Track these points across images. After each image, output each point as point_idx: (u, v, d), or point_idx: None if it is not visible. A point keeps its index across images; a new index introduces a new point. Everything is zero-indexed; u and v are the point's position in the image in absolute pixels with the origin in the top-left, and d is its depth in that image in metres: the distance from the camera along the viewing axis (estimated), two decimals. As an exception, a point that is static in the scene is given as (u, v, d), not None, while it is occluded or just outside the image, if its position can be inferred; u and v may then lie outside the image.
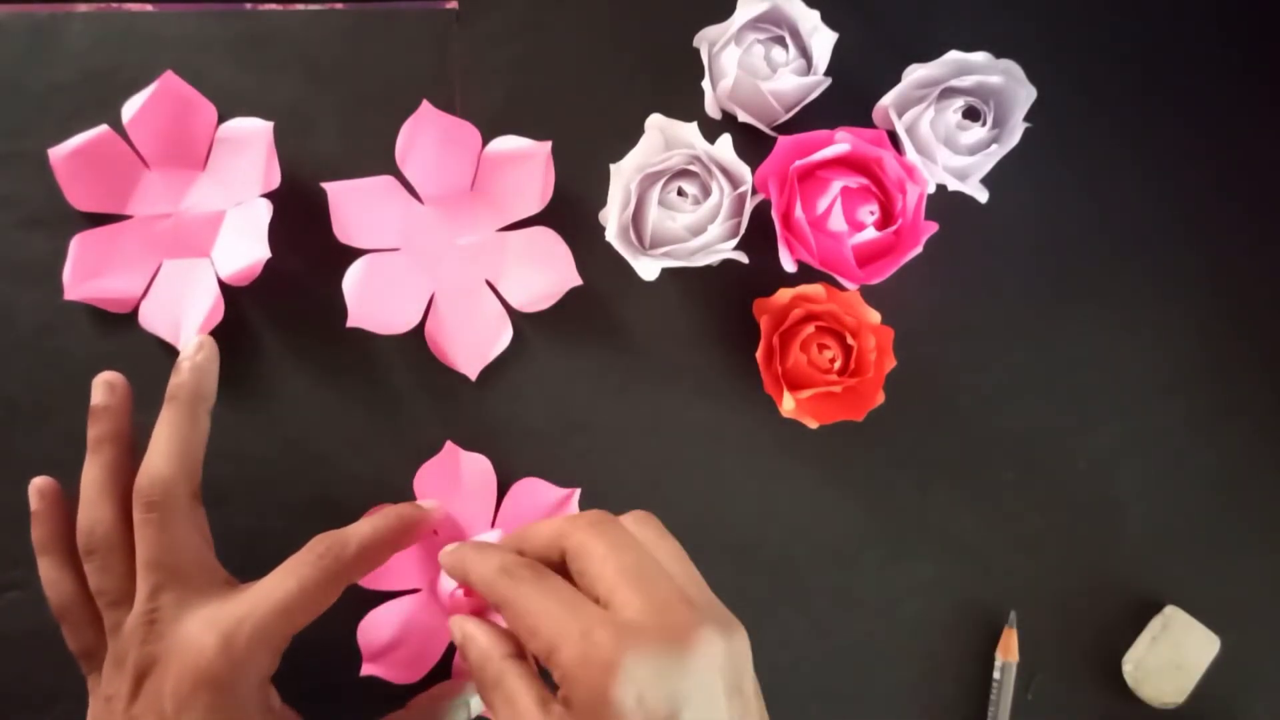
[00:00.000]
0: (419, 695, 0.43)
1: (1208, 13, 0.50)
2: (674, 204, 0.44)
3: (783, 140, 0.43)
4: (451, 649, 0.45)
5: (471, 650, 0.34)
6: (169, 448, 0.39)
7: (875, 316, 0.44)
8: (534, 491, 0.46)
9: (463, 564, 0.36)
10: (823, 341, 0.44)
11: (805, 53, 0.45)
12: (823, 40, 0.45)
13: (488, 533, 0.46)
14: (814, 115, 0.46)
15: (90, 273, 0.46)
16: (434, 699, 0.43)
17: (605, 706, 0.29)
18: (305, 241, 0.46)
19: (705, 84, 0.46)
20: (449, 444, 0.46)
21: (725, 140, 0.43)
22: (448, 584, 0.44)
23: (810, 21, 0.45)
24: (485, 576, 0.34)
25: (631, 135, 0.44)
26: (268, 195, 0.45)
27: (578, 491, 0.46)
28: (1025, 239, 0.49)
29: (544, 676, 0.33)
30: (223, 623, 0.36)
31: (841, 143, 0.43)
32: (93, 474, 0.40)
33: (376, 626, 0.45)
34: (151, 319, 0.46)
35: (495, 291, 0.47)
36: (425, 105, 0.46)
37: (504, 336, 0.47)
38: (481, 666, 0.34)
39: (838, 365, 0.44)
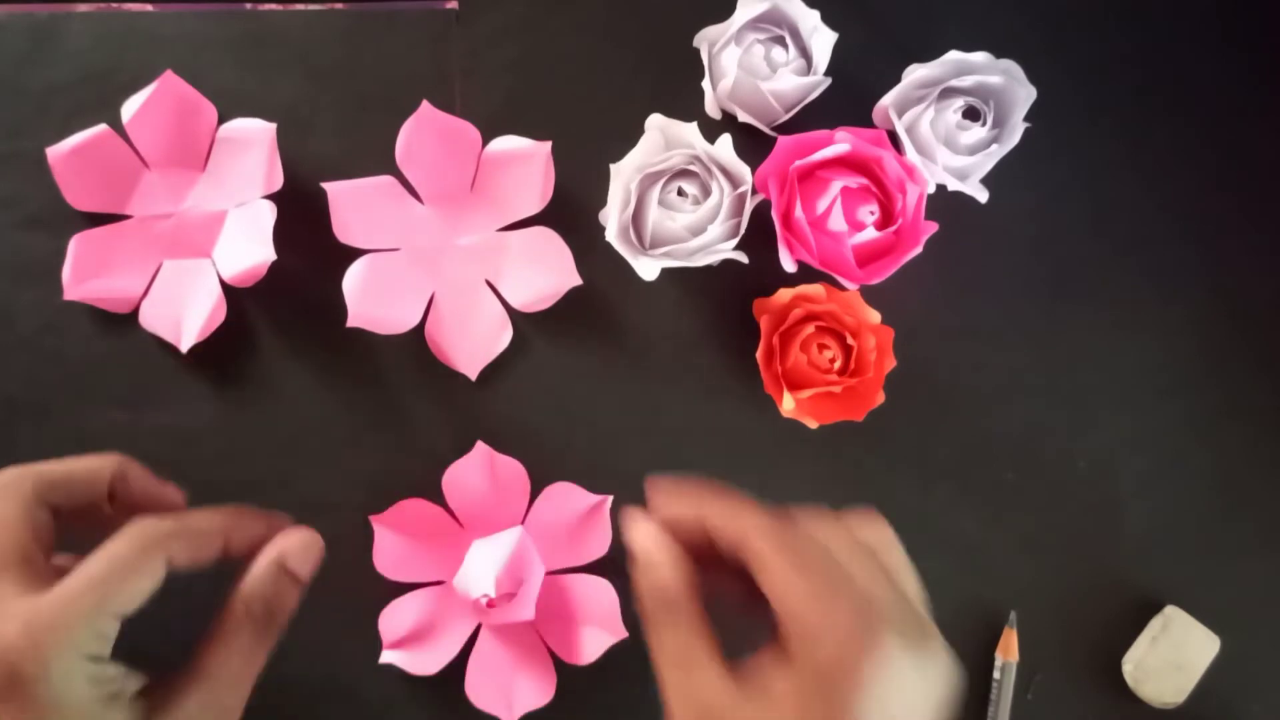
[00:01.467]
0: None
1: (1208, 13, 0.50)
2: (674, 204, 0.44)
3: (783, 140, 0.43)
4: (468, 647, 0.45)
5: (650, 576, 0.33)
6: (47, 466, 0.38)
7: (875, 316, 0.44)
8: (567, 496, 0.46)
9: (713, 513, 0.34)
10: (823, 341, 0.44)
11: (805, 53, 0.45)
12: (823, 40, 0.45)
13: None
14: (814, 115, 0.46)
15: (90, 273, 0.46)
16: (243, 581, 0.38)
17: (852, 675, 0.29)
18: (305, 242, 0.46)
19: (705, 84, 0.46)
20: (480, 444, 0.46)
21: (725, 140, 0.43)
22: (471, 588, 0.44)
23: (810, 21, 0.45)
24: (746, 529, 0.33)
25: (631, 135, 0.44)
26: (268, 196, 0.45)
27: (609, 499, 0.46)
28: (1025, 239, 0.49)
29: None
30: (26, 614, 0.33)
31: (841, 143, 0.43)
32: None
33: (398, 615, 0.45)
34: (151, 319, 0.46)
35: (495, 291, 0.47)
36: (425, 105, 0.46)
37: (504, 336, 0.47)
38: (658, 598, 0.32)
39: (838, 365, 0.44)
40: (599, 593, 0.45)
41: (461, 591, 0.44)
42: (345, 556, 0.46)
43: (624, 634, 0.45)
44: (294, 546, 0.38)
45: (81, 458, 0.39)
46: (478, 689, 0.45)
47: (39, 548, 0.36)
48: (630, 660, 0.45)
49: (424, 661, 0.45)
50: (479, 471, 0.46)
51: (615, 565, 0.46)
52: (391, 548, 0.45)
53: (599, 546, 0.46)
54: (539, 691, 0.45)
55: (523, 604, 0.43)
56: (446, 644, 0.45)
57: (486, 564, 0.44)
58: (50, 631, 0.33)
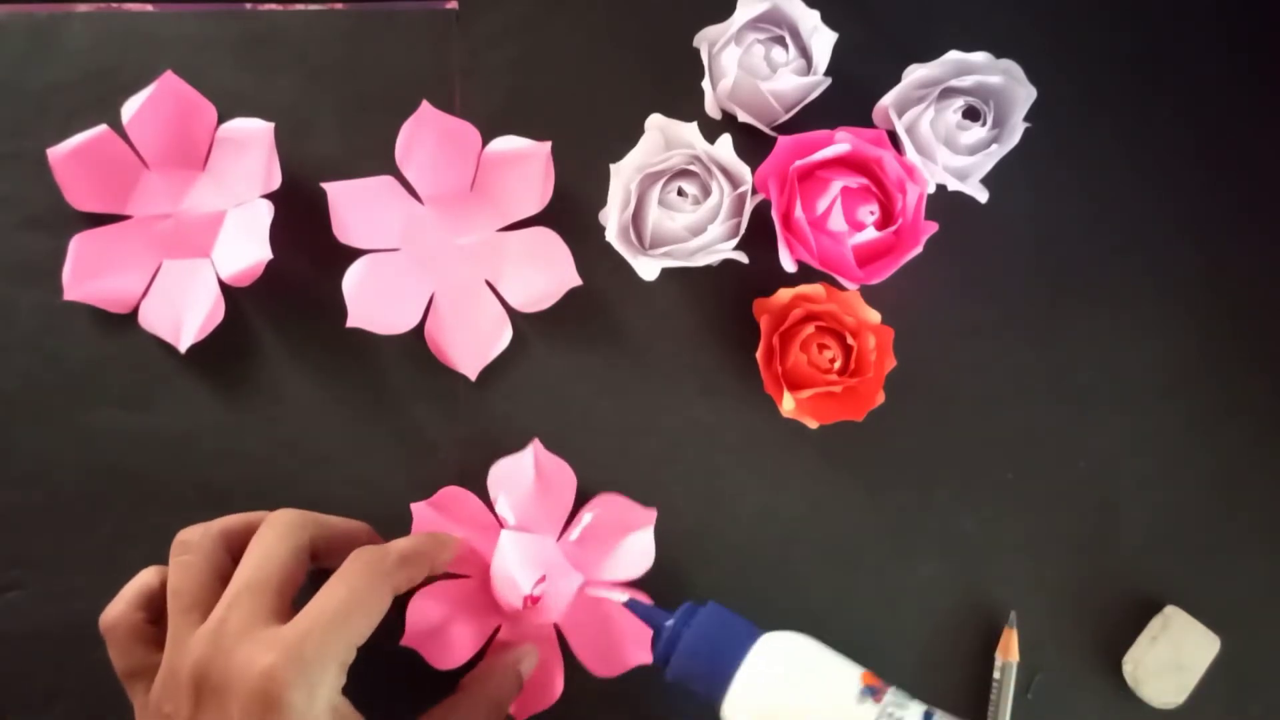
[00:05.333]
0: (470, 674, 0.43)
1: (1208, 13, 0.50)
2: (674, 204, 0.44)
3: (783, 140, 0.43)
4: (488, 643, 0.45)
5: None
6: (325, 518, 0.41)
7: (875, 316, 0.44)
8: (613, 506, 0.46)
9: None
10: (823, 341, 0.44)
11: (805, 53, 0.45)
12: (823, 40, 0.45)
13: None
14: (814, 115, 0.46)
15: (90, 273, 0.46)
16: (486, 673, 0.43)
17: None
18: (305, 242, 0.46)
19: (705, 84, 0.46)
20: (535, 441, 0.46)
21: (725, 140, 0.43)
22: (513, 585, 0.43)
23: (810, 21, 0.45)
24: None
25: (631, 135, 0.44)
26: (268, 196, 0.45)
27: (654, 512, 0.45)
28: (1025, 239, 0.49)
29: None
30: (286, 642, 0.35)
31: (841, 143, 0.43)
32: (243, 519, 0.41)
33: (426, 603, 0.44)
34: (151, 319, 0.46)
35: (495, 291, 0.47)
36: (425, 105, 0.46)
37: (504, 336, 0.47)
38: None
39: (838, 365, 0.44)
40: (626, 618, 0.45)
41: (501, 584, 0.44)
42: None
43: (649, 660, 0.43)
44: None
45: (343, 519, 0.42)
46: None
47: (294, 587, 0.38)
48: (647, 677, 0.44)
49: (444, 654, 0.44)
50: (527, 469, 0.45)
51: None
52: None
53: (641, 563, 0.45)
54: (549, 691, 0.45)
55: (551, 607, 0.43)
56: (468, 639, 0.45)
57: (526, 562, 0.44)
58: (309, 660, 0.35)
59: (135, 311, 0.46)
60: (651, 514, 0.46)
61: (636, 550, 0.45)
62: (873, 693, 0.38)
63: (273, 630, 0.35)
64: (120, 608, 0.39)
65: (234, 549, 0.39)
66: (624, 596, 0.43)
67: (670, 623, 0.41)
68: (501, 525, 0.45)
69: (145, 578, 0.40)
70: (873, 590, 0.47)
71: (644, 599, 0.44)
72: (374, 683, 0.39)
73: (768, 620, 0.47)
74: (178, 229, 0.46)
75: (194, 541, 0.39)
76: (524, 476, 0.46)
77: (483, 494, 0.46)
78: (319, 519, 0.41)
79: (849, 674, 0.39)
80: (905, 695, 0.39)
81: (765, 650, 0.40)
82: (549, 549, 0.45)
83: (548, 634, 0.45)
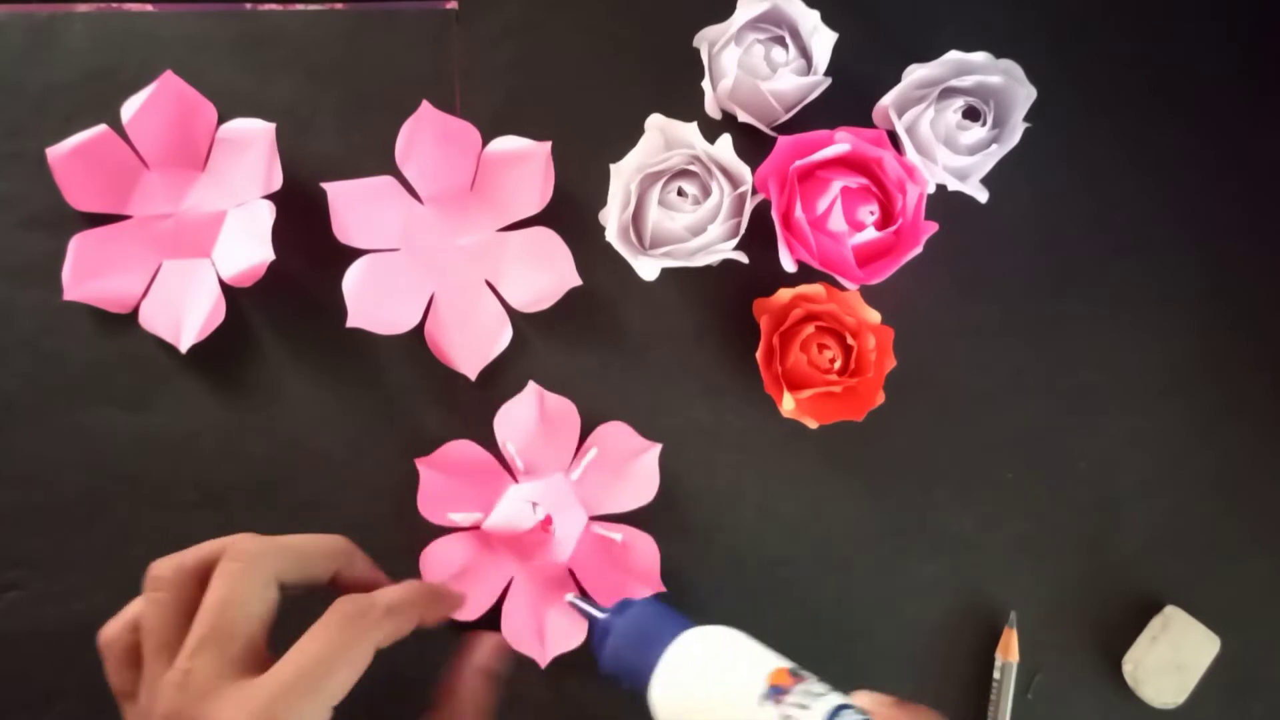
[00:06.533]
0: (440, 689, 0.42)
1: (1208, 13, 0.50)
2: (674, 204, 0.44)
3: (783, 140, 0.43)
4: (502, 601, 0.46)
5: None
6: (290, 542, 0.38)
7: (875, 316, 0.44)
8: (618, 436, 0.46)
9: None
10: (823, 341, 0.44)
11: (805, 53, 0.45)
12: (823, 40, 0.45)
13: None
14: (814, 115, 0.46)
15: (90, 273, 0.46)
16: (457, 685, 0.41)
17: None
18: (305, 242, 0.46)
19: (705, 84, 0.46)
20: (531, 384, 0.46)
21: (725, 140, 0.43)
22: (515, 522, 0.44)
23: (810, 21, 0.45)
24: None
25: (631, 135, 0.44)
26: (268, 196, 0.45)
27: (659, 446, 0.46)
28: (1025, 239, 0.49)
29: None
30: (256, 702, 0.33)
31: (841, 143, 0.43)
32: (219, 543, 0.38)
33: (440, 552, 0.45)
34: (151, 319, 0.46)
35: (495, 291, 0.47)
36: (425, 105, 0.46)
37: (504, 336, 0.47)
38: None
39: (838, 365, 0.44)
40: (641, 545, 0.46)
41: (504, 526, 0.44)
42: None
43: (661, 588, 0.45)
44: (489, 645, 0.40)
45: (314, 537, 0.39)
46: (514, 631, 0.45)
47: (263, 627, 0.36)
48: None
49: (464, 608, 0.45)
50: (530, 410, 0.46)
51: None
52: (437, 489, 0.46)
53: (645, 493, 0.46)
54: (571, 634, 0.45)
55: (561, 546, 0.44)
56: (484, 591, 0.45)
57: (525, 499, 0.45)
58: None
59: (135, 311, 0.46)
60: (656, 446, 0.46)
61: (641, 477, 0.46)
62: (777, 693, 0.36)
63: (242, 686, 0.34)
64: (116, 627, 0.38)
65: (207, 582, 0.37)
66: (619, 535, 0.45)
67: (604, 616, 0.41)
68: (510, 469, 0.46)
69: (140, 602, 0.39)
70: (873, 590, 0.47)
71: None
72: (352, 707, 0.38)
73: (768, 620, 0.47)
74: (178, 229, 0.46)
75: (165, 577, 0.36)
76: (527, 416, 0.46)
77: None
78: (284, 543, 0.38)
79: (758, 672, 0.37)
80: (822, 689, 0.37)
81: (685, 645, 0.38)
82: (556, 485, 0.45)
83: (561, 575, 0.46)
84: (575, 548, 0.45)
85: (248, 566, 0.36)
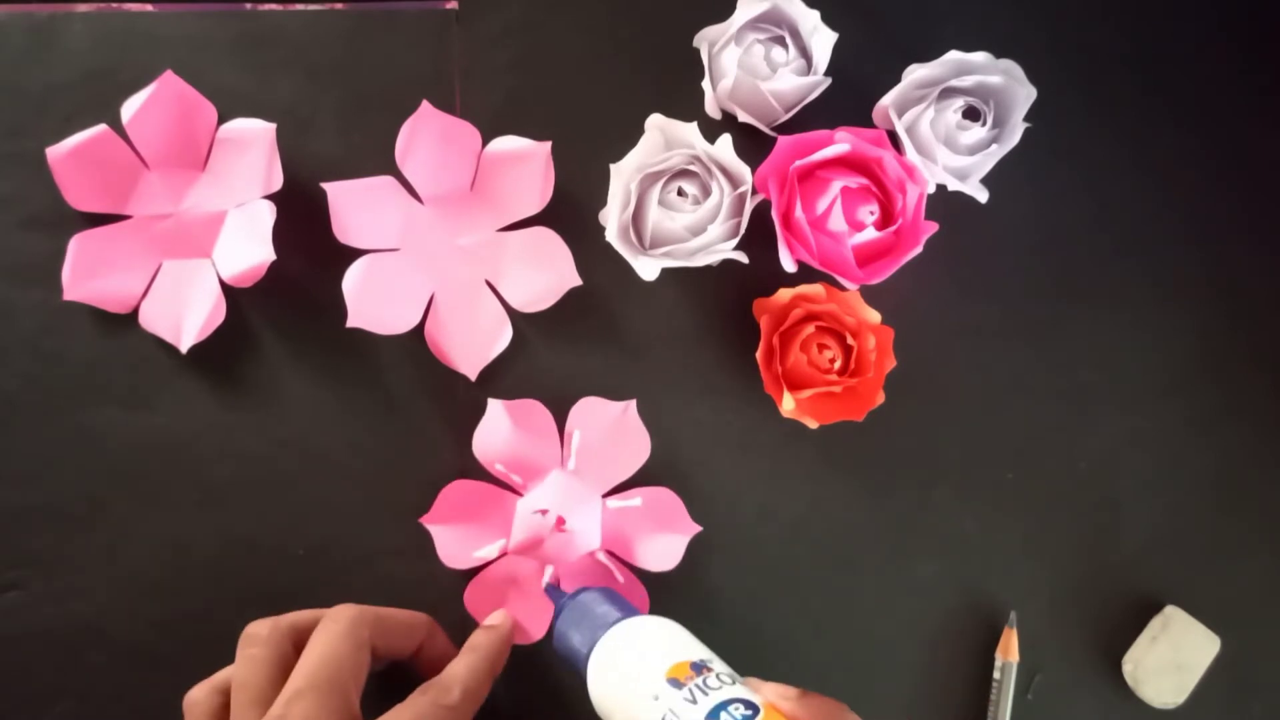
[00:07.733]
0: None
1: (1208, 13, 0.50)
2: (674, 204, 0.44)
3: (783, 140, 0.43)
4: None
5: None
6: (384, 612, 0.40)
7: (875, 316, 0.44)
8: (593, 410, 0.47)
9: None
10: (823, 341, 0.44)
11: (805, 53, 0.45)
12: (823, 40, 0.45)
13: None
14: (814, 115, 0.46)
15: (90, 273, 0.46)
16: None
17: None
18: (305, 242, 0.46)
19: (705, 84, 0.46)
20: (491, 401, 0.46)
21: (725, 140, 0.43)
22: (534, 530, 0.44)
23: (810, 21, 0.45)
24: None
25: (631, 135, 0.44)
26: (268, 196, 0.45)
27: (634, 401, 0.47)
28: (1025, 239, 0.49)
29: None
30: None
31: (841, 143, 0.43)
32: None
33: (481, 594, 0.46)
34: (151, 319, 0.46)
35: (495, 291, 0.47)
36: (425, 105, 0.46)
37: (504, 336, 0.47)
38: None
39: (838, 365, 0.44)
40: (662, 499, 0.46)
41: (527, 543, 0.45)
42: (346, 557, 0.46)
43: (697, 528, 0.46)
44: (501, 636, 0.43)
45: (403, 611, 0.41)
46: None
47: (357, 688, 0.37)
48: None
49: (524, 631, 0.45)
50: (501, 425, 0.46)
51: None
52: (452, 539, 0.45)
53: (641, 450, 0.46)
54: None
55: (584, 537, 0.44)
56: (538, 609, 0.45)
57: (534, 509, 0.45)
58: None
59: (135, 311, 0.46)
60: (630, 402, 0.47)
61: (631, 437, 0.46)
62: (673, 686, 0.36)
63: None
64: (204, 689, 0.39)
65: (302, 644, 0.38)
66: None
67: (561, 600, 0.42)
68: (511, 486, 0.46)
69: (232, 668, 0.40)
70: (873, 590, 0.47)
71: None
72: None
73: (768, 620, 0.47)
74: (178, 229, 0.46)
75: (262, 635, 0.38)
76: (502, 433, 0.46)
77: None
78: (378, 614, 0.40)
79: (662, 666, 0.37)
80: (718, 684, 0.36)
81: (615, 634, 0.39)
82: (555, 484, 0.45)
83: (596, 564, 0.46)
84: (601, 530, 0.45)
85: (348, 628, 0.38)
